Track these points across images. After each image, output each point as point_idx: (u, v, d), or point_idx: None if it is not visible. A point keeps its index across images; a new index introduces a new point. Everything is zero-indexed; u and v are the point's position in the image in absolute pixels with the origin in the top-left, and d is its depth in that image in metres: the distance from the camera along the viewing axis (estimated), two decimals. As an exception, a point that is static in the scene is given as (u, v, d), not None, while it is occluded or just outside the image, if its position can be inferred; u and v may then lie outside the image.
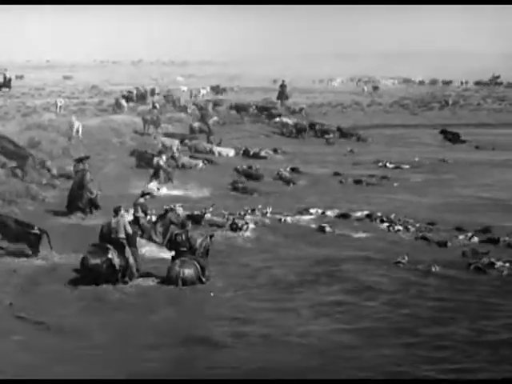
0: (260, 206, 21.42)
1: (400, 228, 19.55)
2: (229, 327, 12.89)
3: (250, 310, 13.71)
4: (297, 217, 20.94)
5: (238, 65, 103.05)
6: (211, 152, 33.56)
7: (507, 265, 16.04)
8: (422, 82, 75.52)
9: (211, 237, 16.36)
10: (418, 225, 19.81)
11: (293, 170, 29.11)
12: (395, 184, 26.60)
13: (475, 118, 50.02)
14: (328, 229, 19.43)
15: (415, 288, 14.98)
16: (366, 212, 21.10)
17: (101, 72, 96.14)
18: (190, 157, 31.06)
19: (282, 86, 52.61)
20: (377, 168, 30.35)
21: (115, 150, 31.57)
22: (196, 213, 19.94)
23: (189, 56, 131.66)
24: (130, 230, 15.76)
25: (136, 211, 18.25)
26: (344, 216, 21.01)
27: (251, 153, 33.49)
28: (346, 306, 14.02)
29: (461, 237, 18.63)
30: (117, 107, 42.90)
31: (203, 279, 15.17)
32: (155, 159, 26.13)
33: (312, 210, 21.38)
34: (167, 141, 32.61)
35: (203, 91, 59.14)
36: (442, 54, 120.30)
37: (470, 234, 18.65)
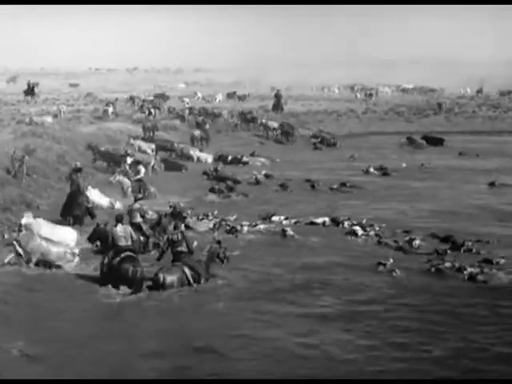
0: (216, 212, 21.05)
1: (363, 232, 19.44)
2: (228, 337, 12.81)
3: (244, 319, 13.63)
4: (269, 223, 20.59)
5: (235, 71, 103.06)
6: (190, 157, 33.54)
7: (471, 269, 16.00)
8: (415, 89, 75.83)
9: (218, 242, 16.37)
10: (377, 228, 19.76)
11: (267, 176, 28.61)
12: (354, 192, 26.14)
13: (470, 126, 50.33)
14: (290, 232, 19.27)
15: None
16: (326, 218, 20.89)
17: (96, 79, 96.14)
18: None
19: (277, 96, 51.09)
20: (362, 174, 30.39)
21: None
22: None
23: (184, 63, 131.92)
24: (135, 237, 16.12)
25: (134, 217, 18.11)
26: (312, 223, 20.75)
27: (229, 158, 32.97)
28: (333, 312, 13.96)
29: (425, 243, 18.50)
30: (103, 115, 43.03)
31: (194, 284, 15.12)
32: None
33: (275, 218, 21.00)
34: (143, 144, 32.77)
35: (218, 97, 59.27)
36: (441, 62, 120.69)
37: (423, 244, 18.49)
